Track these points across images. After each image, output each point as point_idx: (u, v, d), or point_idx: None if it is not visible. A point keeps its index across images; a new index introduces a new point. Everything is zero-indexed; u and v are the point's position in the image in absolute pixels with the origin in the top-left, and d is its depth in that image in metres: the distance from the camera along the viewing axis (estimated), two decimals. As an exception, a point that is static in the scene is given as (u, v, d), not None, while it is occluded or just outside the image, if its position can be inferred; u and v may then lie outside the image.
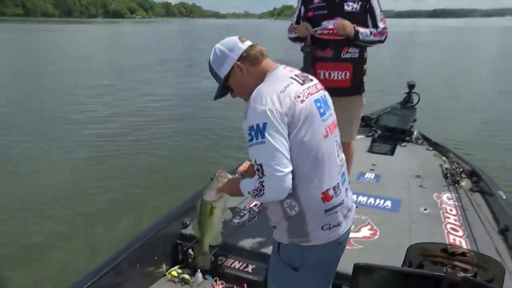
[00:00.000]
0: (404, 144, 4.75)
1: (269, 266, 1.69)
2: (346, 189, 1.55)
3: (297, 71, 1.53)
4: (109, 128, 8.01)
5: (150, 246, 2.42)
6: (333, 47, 2.69)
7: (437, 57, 22.95)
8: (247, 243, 2.54)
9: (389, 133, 4.86)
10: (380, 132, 4.91)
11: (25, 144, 6.86)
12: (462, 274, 1.60)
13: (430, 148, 4.61)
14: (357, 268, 1.61)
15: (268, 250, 2.10)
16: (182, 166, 6.02)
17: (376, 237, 2.66)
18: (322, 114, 1.44)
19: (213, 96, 1.59)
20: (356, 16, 2.67)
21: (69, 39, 38.66)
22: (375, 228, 2.77)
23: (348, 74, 2.73)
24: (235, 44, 1.51)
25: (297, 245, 1.47)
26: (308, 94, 1.43)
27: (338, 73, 2.72)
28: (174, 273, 2.47)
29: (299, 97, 1.38)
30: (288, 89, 1.38)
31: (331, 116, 1.53)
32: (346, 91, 2.74)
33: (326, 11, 2.71)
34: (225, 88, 1.55)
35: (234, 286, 2.34)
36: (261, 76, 1.48)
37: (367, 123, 5.15)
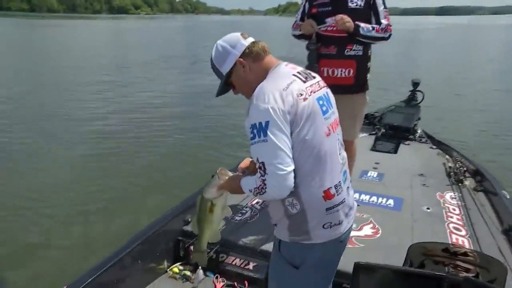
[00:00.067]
0: (407, 142, 4.73)
1: (269, 263, 1.68)
2: (348, 187, 1.54)
3: (300, 68, 1.52)
4: (109, 125, 7.99)
5: (152, 243, 2.43)
6: (336, 44, 2.67)
7: (442, 55, 22.80)
8: (248, 240, 2.54)
9: (392, 131, 4.84)
10: (384, 130, 4.89)
11: (25, 141, 6.84)
12: (464, 274, 1.59)
13: (434, 147, 4.59)
14: (358, 267, 1.60)
15: (270, 247, 2.09)
16: (183, 164, 6.00)
17: (378, 235, 2.65)
18: (324, 112, 1.44)
19: (215, 93, 1.59)
20: (360, 13, 2.65)
21: (73, 34, 38.64)
22: (377, 226, 2.76)
23: (352, 71, 2.71)
24: (238, 40, 1.50)
25: (298, 243, 1.46)
26: (311, 92, 1.42)
27: (341, 70, 2.70)
28: (176, 269, 2.47)
29: (301, 95, 1.38)
30: (290, 86, 1.37)
31: (334, 114, 1.52)
32: (349, 88, 2.72)
33: (330, 8, 2.69)
34: (227, 84, 1.55)
35: (235, 283, 2.34)
36: (264, 73, 1.47)
37: (370, 121, 5.13)
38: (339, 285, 1.99)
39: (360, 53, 2.71)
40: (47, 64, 16.71)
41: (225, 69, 1.50)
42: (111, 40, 33.88)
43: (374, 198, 3.22)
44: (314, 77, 1.52)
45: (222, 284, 2.34)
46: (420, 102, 5.35)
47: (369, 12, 2.69)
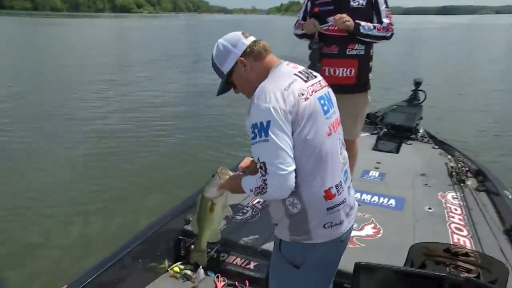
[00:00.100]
0: (409, 142, 4.72)
1: (270, 263, 1.68)
2: (349, 187, 1.54)
3: (301, 68, 1.52)
4: (109, 124, 7.97)
5: (152, 242, 2.42)
6: (338, 43, 2.66)
7: (444, 55, 22.74)
8: (249, 240, 2.54)
9: (394, 131, 4.83)
10: (386, 129, 4.88)
11: (25, 140, 6.82)
12: (465, 274, 1.58)
13: (436, 147, 4.58)
14: (358, 267, 1.60)
15: (271, 247, 2.09)
16: (183, 164, 5.98)
17: (379, 235, 2.65)
18: (325, 112, 1.43)
19: (216, 92, 1.59)
20: (362, 12, 2.64)
21: (76, 33, 38.68)
22: (378, 226, 2.75)
23: (353, 71, 2.70)
24: (239, 39, 1.49)
25: (299, 243, 1.46)
26: (312, 91, 1.42)
27: (343, 70, 2.69)
28: (177, 269, 2.47)
29: (303, 94, 1.37)
30: (292, 86, 1.37)
31: (335, 114, 1.51)
32: (351, 88, 2.71)
33: (332, 7, 2.68)
34: (228, 84, 1.54)
35: (236, 282, 2.34)
36: (265, 72, 1.47)
37: (372, 121, 5.12)
38: (340, 285, 1.98)
39: (362, 52, 2.70)
40: (50, 63, 16.69)
41: (226, 68, 1.50)
42: (114, 39, 33.89)
43: (375, 198, 3.22)
44: (315, 77, 1.51)
45: (223, 283, 2.34)
46: (422, 102, 5.34)
47: (371, 11, 2.68)
